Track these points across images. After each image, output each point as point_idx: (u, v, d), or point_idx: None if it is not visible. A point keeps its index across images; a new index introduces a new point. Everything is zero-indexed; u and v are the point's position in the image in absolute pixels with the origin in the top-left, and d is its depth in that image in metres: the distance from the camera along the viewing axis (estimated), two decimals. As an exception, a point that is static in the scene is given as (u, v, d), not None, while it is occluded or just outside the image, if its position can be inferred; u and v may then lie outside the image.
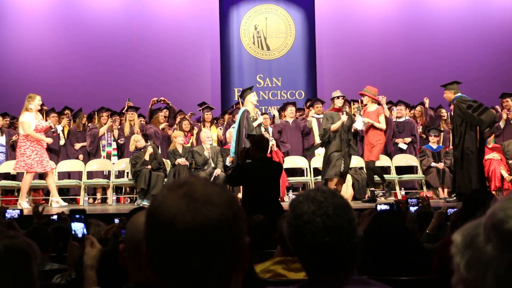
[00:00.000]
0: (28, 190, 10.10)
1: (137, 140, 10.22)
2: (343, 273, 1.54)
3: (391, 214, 3.51)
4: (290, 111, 11.24)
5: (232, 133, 10.44)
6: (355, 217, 1.57)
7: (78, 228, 2.67)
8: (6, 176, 10.54)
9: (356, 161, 10.80)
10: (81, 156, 10.79)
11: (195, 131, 11.03)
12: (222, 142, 11.12)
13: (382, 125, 9.40)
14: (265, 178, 6.06)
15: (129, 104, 11.77)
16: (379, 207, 4.42)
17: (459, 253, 0.95)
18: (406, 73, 13.97)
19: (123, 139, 10.88)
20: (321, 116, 11.24)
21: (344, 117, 9.11)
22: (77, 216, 2.68)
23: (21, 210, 5.62)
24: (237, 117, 9.02)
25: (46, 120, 9.73)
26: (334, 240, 1.51)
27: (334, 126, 9.10)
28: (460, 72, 13.78)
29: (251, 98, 9.07)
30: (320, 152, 10.59)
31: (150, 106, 11.66)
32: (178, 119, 11.44)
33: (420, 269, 3.18)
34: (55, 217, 5.13)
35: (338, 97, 9.34)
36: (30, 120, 8.95)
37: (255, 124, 8.90)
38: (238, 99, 9.41)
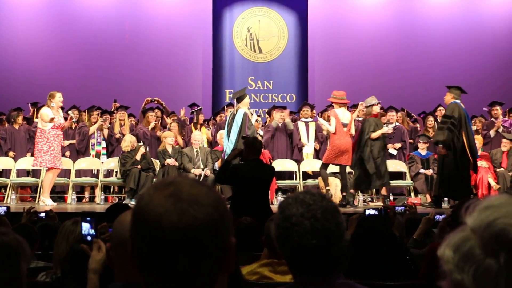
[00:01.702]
0: (16, 187, 10.07)
1: (133, 141, 10.21)
2: (330, 276, 1.55)
3: (377, 219, 3.53)
4: (280, 116, 11.17)
5: (223, 134, 10.45)
6: (343, 221, 1.58)
7: (88, 231, 2.68)
8: (26, 172, 10.66)
9: (346, 166, 10.82)
10: (67, 153, 10.73)
11: (179, 136, 11.03)
12: (212, 143, 11.11)
13: (331, 128, 9.29)
14: (256, 180, 6.06)
15: (116, 105, 11.73)
16: (367, 212, 4.44)
17: (457, 269, 0.93)
18: (398, 79, 14.04)
19: (119, 134, 10.83)
20: (309, 120, 11.26)
21: (386, 129, 9.40)
22: (88, 218, 2.69)
23: (8, 207, 5.58)
24: (237, 119, 8.95)
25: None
26: (321, 243, 1.51)
27: (375, 134, 9.27)
28: (451, 79, 13.80)
29: (247, 100, 9.13)
30: (308, 151, 10.62)
31: (143, 106, 11.61)
32: (170, 120, 11.40)
33: (406, 274, 3.19)
34: (42, 214, 5.10)
35: (377, 104, 9.45)
36: (49, 112, 9.04)
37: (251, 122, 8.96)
38: (234, 100, 9.38)
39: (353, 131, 9.49)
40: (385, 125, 10.02)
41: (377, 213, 4.32)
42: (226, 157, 9.03)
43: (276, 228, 1.57)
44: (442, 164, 8.97)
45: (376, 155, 9.25)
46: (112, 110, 11.57)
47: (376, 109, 9.45)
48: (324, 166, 9.39)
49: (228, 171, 6.12)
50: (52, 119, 9.02)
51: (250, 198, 5.98)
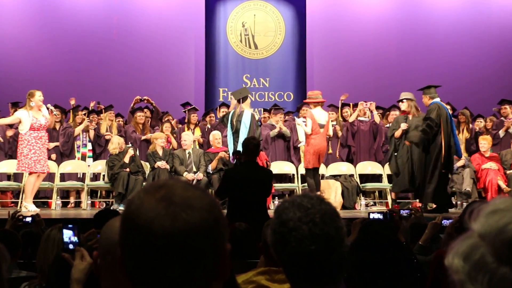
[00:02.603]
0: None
1: (121, 143, 10.19)
2: (329, 284, 1.54)
3: (381, 224, 3.53)
4: (279, 118, 11.20)
5: (216, 135, 10.46)
6: (343, 226, 1.58)
7: (70, 239, 2.67)
8: (7, 176, 10.66)
9: (346, 168, 10.86)
10: (53, 156, 10.70)
11: (172, 136, 11.00)
12: (203, 145, 11.08)
13: (307, 129, 9.31)
14: (251, 184, 6.06)
15: (100, 107, 11.71)
16: (371, 216, 4.43)
17: (469, 279, 0.93)
18: (400, 75, 14.03)
19: (110, 134, 10.80)
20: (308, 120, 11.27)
21: (404, 125, 9.44)
22: (70, 226, 2.68)
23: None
24: (244, 121, 9.01)
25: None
26: (320, 249, 1.51)
27: (397, 133, 9.51)
28: (456, 76, 13.91)
29: (249, 100, 9.26)
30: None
31: (132, 105, 11.59)
32: (164, 120, 11.37)
33: (412, 283, 3.19)
34: (29, 219, 5.07)
35: (402, 100, 9.59)
36: (21, 116, 9.04)
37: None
38: (232, 99, 9.41)
39: (330, 132, 9.63)
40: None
41: (382, 217, 4.32)
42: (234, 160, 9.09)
43: (272, 233, 1.57)
44: (421, 164, 9.06)
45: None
46: (105, 107, 11.54)
47: (402, 106, 9.66)
48: (314, 171, 9.31)
49: (222, 180, 6.13)
50: (19, 122, 9.06)
51: (245, 203, 5.98)
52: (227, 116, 9.32)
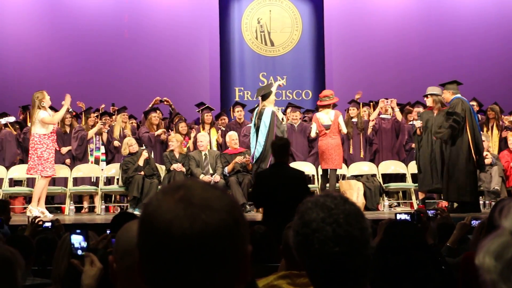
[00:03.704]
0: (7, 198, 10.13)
1: (131, 144, 10.21)
2: (354, 287, 1.54)
3: (406, 225, 3.51)
4: (294, 116, 11.19)
5: (232, 136, 10.46)
6: (368, 226, 1.57)
7: (78, 244, 2.70)
8: (16, 181, 10.76)
9: (368, 168, 10.81)
10: (68, 161, 10.78)
11: (192, 134, 11.01)
12: (222, 146, 11.09)
13: (312, 133, 9.67)
14: (280, 186, 6.00)
15: (114, 109, 11.78)
16: (398, 217, 4.42)
17: (502, 278, 0.92)
18: (423, 72, 13.93)
19: (118, 143, 10.83)
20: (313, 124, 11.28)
21: (418, 123, 9.44)
22: (78, 230, 2.71)
23: (2, 219, 5.61)
24: (264, 119, 9.08)
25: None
26: (344, 251, 1.50)
27: (418, 131, 9.48)
28: (482, 72, 13.80)
29: (273, 97, 9.33)
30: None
31: (151, 105, 11.64)
32: (175, 121, 11.42)
33: (441, 286, 3.16)
34: (48, 224, 5.12)
35: (426, 96, 9.59)
36: (47, 114, 9.16)
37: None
38: (258, 98, 9.51)
39: (344, 130, 9.58)
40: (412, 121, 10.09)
41: (409, 218, 4.30)
42: (254, 161, 9.14)
43: (294, 235, 1.56)
44: (448, 160, 9.00)
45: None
46: (118, 109, 11.60)
47: (427, 102, 9.65)
48: (324, 173, 9.53)
49: (253, 185, 6.11)
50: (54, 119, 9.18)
51: (278, 206, 5.93)
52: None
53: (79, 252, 2.66)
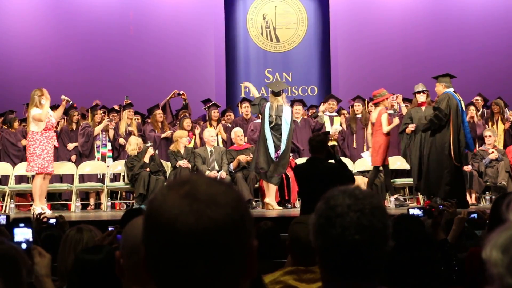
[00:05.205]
0: (13, 195, 10.17)
1: (139, 143, 10.20)
2: (365, 281, 1.53)
3: (412, 220, 3.50)
4: (297, 110, 11.14)
5: (238, 133, 10.45)
6: (390, 225, 1.56)
7: (22, 238, 2.66)
8: (21, 178, 10.77)
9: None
10: (73, 157, 10.81)
11: (197, 131, 11.00)
12: (227, 143, 11.08)
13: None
14: (316, 180, 6.03)
15: (127, 102, 11.79)
16: (411, 212, 4.46)
17: (509, 272, 0.92)
18: (429, 67, 13.83)
19: (123, 141, 10.82)
20: (334, 114, 11.27)
21: (411, 126, 9.34)
22: (21, 224, 2.67)
23: (8, 216, 5.63)
24: (285, 117, 9.26)
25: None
26: (364, 240, 1.50)
27: (408, 129, 9.41)
28: (491, 68, 13.73)
29: (284, 93, 9.59)
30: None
31: (167, 99, 11.65)
32: (181, 117, 11.41)
33: (447, 282, 3.16)
34: (53, 221, 5.15)
35: (419, 92, 9.63)
36: (39, 111, 9.09)
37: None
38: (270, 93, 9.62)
39: (385, 128, 9.54)
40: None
41: (421, 213, 4.33)
42: (277, 158, 9.21)
43: (316, 217, 1.56)
44: (427, 155, 9.03)
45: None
46: (123, 106, 11.58)
47: (419, 98, 9.62)
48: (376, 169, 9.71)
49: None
50: (45, 115, 9.10)
51: (315, 200, 5.95)
52: (262, 105, 9.37)
53: (23, 245, 2.61)
